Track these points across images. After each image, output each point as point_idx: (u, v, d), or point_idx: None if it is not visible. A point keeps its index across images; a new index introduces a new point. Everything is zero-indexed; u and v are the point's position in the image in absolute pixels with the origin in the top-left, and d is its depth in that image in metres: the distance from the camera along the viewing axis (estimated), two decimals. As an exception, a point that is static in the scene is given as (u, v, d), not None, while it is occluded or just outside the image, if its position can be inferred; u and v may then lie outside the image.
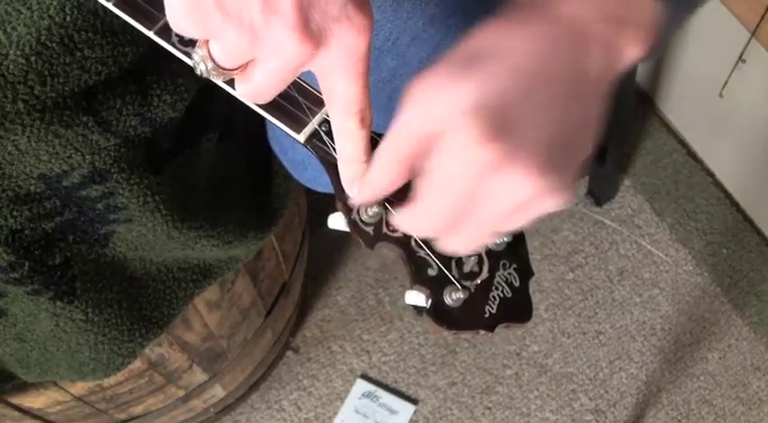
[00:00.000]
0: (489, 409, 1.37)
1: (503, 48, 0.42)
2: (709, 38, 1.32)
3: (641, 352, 1.41)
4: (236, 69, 0.42)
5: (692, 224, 1.48)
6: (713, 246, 1.47)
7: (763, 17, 1.13)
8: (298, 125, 0.46)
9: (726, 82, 1.27)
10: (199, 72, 0.42)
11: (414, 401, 1.37)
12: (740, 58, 1.21)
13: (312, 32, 0.39)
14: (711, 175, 1.51)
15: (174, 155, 0.70)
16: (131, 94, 0.62)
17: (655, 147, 1.54)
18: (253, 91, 0.42)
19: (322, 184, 0.70)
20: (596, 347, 1.41)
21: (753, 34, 1.16)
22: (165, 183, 0.69)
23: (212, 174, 0.77)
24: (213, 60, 0.41)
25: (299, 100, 0.46)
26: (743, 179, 1.46)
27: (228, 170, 0.81)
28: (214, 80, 0.43)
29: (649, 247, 1.48)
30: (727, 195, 1.49)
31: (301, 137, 0.46)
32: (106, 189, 0.65)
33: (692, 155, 1.52)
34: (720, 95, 1.29)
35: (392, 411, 1.36)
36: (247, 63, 0.41)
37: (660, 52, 0.54)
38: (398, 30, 0.62)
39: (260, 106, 0.45)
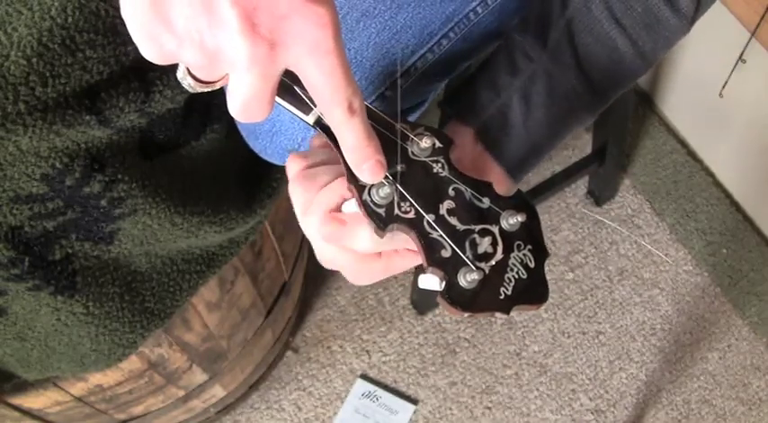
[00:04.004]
0: (489, 409, 1.37)
1: None
2: (710, 38, 1.32)
3: (641, 352, 1.41)
4: (218, 81, 0.42)
5: (692, 224, 1.48)
6: (713, 246, 1.46)
7: (763, 17, 1.12)
8: (306, 107, 0.45)
9: (726, 82, 1.26)
10: (186, 87, 0.42)
11: (414, 401, 1.37)
12: (740, 58, 1.21)
13: (263, 34, 0.38)
14: (711, 175, 1.51)
15: (172, 144, 0.71)
16: (134, 92, 0.61)
17: (654, 146, 1.54)
18: (239, 107, 0.41)
19: (271, 155, 0.70)
20: (596, 347, 1.41)
21: (753, 34, 1.16)
22: (158, 168, 0.69)
23: (218, 161, 0.77)
24: (193, 76, 0.41)
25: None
26: (743, 179, 1.46)
27: (234, 158, 0.81)
28: (204, 90, 0.43)
29: (649, 247, 1.47)
30: (727, 195, 1.49)
31: (310, 118, 0.45)
32: (106, 177, 0.64)
33: (692, 155, 1.52)
34: (720, 95, 1.29)
35: (392, 411, 1.36)
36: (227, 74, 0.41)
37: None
38: (349, 4, 0.62)
39: None
